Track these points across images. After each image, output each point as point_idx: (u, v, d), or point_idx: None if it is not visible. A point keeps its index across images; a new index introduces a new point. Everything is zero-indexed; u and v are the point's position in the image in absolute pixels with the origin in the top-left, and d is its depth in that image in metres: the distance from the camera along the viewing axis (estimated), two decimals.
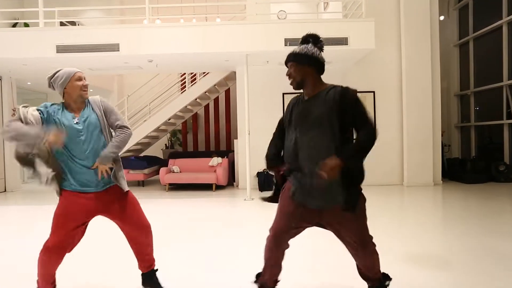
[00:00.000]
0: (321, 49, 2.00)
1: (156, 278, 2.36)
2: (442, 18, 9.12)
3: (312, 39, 1.99)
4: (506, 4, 7.57)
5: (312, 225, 1.98)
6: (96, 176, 2.08)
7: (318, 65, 1.94)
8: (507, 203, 5.27)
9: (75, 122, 2.07)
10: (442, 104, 8.91)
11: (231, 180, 7.74)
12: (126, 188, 2.19)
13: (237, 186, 7.47)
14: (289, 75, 1.96)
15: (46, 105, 2.11)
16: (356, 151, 1.79)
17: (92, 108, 2.16)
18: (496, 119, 8.02)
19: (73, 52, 5.84)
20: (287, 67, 1.98)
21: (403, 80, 7.14)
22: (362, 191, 1.90)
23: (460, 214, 4.65)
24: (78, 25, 8.68)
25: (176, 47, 5.86)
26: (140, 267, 2.35)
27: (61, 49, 5.82)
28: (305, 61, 1.91)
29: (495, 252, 3.09)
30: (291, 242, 2.02)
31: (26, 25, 8.97)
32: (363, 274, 2.06)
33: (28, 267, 2.83)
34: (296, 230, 1.98)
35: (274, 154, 2.05)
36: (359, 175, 1.85)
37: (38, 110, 2.05)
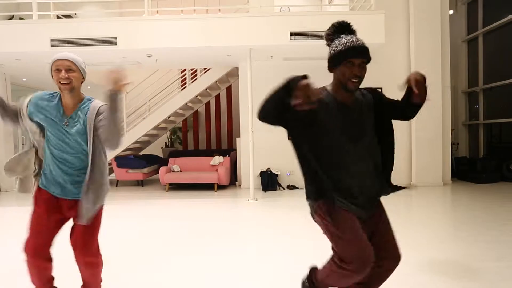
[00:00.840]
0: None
1: None
2: (451, 12, 8.85)
3: (351, 29, 1.71)
4: None
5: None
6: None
7: None
8: None
9: (63, 123, 1.84)
10: (450, 102, 8.68)
11: (233, 180, 7.50)
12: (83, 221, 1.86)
13: (240, 186, 7.23)
14: (359, 75, 1.60)
15: (40, 96, 1.89)
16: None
17: (86, 113, 1.88)
18: (506, 116, 7.78)
19: (68, 46, 5.57)
20: (351, 63, 1.60)
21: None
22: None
23: (478, 217, 4.40)
24: (74, 16, 8.41)
25: (176, 41, 5.60)
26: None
27: (56, 43, 5.56)
28: (370, 59, 1.65)
29: None
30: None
31: (21, 19, 8.71)
32: None
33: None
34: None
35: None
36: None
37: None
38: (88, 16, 8.41)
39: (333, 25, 1.70)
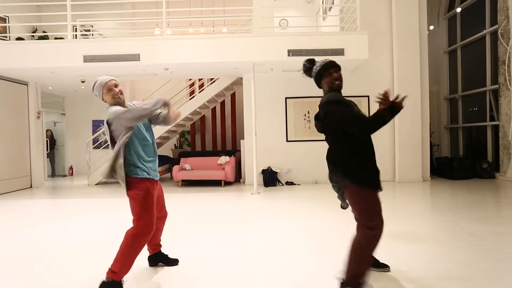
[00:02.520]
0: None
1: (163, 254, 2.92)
2: (432, 27, 9.84)
3: (311, 62, 2.46)
4: (488, 16, 8.28)
5: None
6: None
7: None
8: (487, 196, 5.97)
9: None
10: (433, 106, 9.63)
11: (238, 177, 8.43)
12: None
13: (244, 182, 8.16)
14: (340, 78, 2.33)
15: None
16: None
17: None
18: (481, 121, 8.73)
19: (98, 61, 6.52)
20: (331, 72, 2.32)
21: (395, 85, 7.83)
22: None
23: (444, 204, 5.36)
24: (93, 34, 9.37)
25: (191, 57, 6.55)
26: (152, 248, 2.84)
27: (88, 59, 6.50)
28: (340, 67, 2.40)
29: (465, 232, 3.78)
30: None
31: (44, 32, 9.67)
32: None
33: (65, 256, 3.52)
34: None
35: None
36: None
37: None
38: (106, 33, 9.37)
39: (304, 64, 2.47)
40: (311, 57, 2.51)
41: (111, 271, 2.34)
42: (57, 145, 10.81)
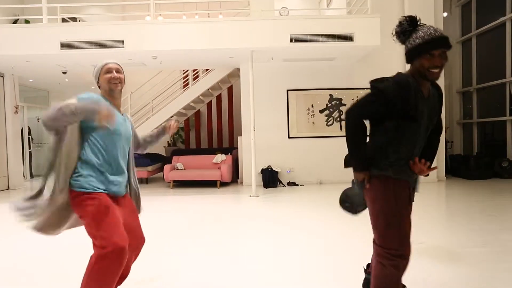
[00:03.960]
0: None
1: None
2: (445, 14, 9.12)
3: (412, 21, 1.72)
4: (510, 0, 7.58)
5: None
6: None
7: None
8: (511, 199, 5.30)
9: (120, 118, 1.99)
10: (445, 100, 8.94)
11: (235, 177, 7.74)
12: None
13: (241, 183, 7.47)
14: (440, 66, 1.65)
15: (91, 95, 1.92)
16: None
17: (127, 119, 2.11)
18: (498, 115, 8.05)
19: (77, 48, 5.80)
20: (431, 55, 1.64)
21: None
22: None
23: (470, 210, 4.67)
24: (80, 21, 8.64)
25: (181, 43, 5.84)
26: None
27: (65, 45, 5.78)
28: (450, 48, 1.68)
29: (507, 245, 3.10)
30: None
31: (27, 21, 8.92)
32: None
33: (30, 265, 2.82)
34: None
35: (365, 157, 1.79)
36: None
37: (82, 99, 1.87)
38: (93, 19, 8.64)
39: (404, 20, 1.73)
40: (413, 16, 1.73)
41: None
42: (35, 143, 10.05)
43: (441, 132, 1.98)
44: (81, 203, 1.78)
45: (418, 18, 1.72)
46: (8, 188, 7.51)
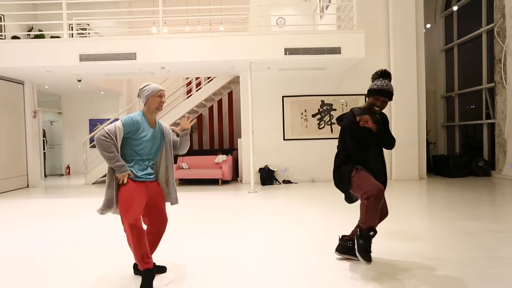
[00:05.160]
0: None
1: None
2: (428, 26, 9.86)
3: (388, 76, 2.70)
4: (485, 14, 8.31)
5: None
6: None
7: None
8: (483, 194, 6.01)
9: (151, 132, 2.61)
10: (430, 105, 9.66)
11: (235, 176, 8.44)
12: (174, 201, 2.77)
13: (241, 181, 8.17)
14: (380, 106, 2.68)
15: (132, 119, 2.53)
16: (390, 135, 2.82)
17: (159, 127, 2.69)
18: (477, 119, 8.77)
19: (94, 60, 6.49)
20: (377, 98, 2.67)
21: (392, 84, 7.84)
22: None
23: (440, 202, 5.38)
24: (89, 32, 9.32)
25: (187, 55, 6.53)
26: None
27: (84, 58, 6.47)
28: (391, 99, 2.72)
29: (460, 230, 3.80)
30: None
31: (40, 31, 9.61)
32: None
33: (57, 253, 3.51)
34: None
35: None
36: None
37: (124, 125, 2.52)
38: (102, 31, 9.33)
39: (376, 72, 2.74)
40: (387, 71, 2.73)
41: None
42: (49, 144, 10.74)
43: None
44: None
45: (389, 73, 2.72)
46: (28, 186, 8.19)
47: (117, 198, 2.50)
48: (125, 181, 2.48)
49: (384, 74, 2.69)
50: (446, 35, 9.96)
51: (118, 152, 2.49)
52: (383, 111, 2.80)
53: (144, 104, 2.61)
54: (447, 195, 6.05)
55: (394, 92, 2.71)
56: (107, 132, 2.45)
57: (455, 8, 9.12)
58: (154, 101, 2.59)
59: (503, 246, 3.24)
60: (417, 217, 4.54)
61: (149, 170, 2.63)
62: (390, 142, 2.81)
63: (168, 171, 2.74)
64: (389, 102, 2.74)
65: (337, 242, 3.04)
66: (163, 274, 2.75)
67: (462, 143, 9.51)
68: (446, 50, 9.97)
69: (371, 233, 2.59)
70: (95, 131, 9.61)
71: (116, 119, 10.10)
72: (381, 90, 2.64)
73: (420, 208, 5.22)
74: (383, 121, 2.82)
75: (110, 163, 2.46)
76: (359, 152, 2.75)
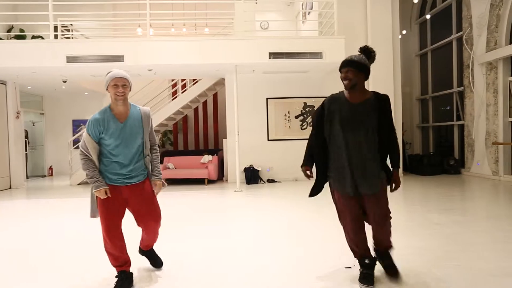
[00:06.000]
0: (371, 60, 2.43)
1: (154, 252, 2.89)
2: (404, 32, 10.38)
3: (364, 52, 2.43)
4: (454, 23, 8.88)
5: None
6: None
7: (368, 73, 2.38)
8: (454, 190, 6.48)
9: (119, 129, 2.43)
10: (406, 107, 10.18)
11: (220, 176, 8.64)
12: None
13: (226, 180, 8.38)
14: (344, 77, 2.34)
15: (93, 121, 2.39)
16: (398, 157, 2.45)
17: (136, 116, 2.47)
18: (449, 120, 9.34)
19: (82, 62, 6.55)
20: (342, 72, 2.37)
21: (369, 86, 8.26)
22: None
23: (415, 198, 5.79)
24: (72, 31, 9.28)
25: (175, 58, 6.70)
26: (143, 246, 2.80)
27: (71, 59, 6.52)
28: (360, 68, 2.33)
29: (429, 221, 4.18)
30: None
31: (21, 30, 9.50)
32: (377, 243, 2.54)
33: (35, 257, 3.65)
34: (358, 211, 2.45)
35: (310, 156, 2.58)
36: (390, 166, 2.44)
37: (90, 134, 2.40)
38: (86, 30, 9.33)
39: (360, 48, 2.47)
40: (366, 46, 2.48)
41: None
42: (31, 145, 10.59)
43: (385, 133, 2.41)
44: None
45: (367, 49, 2.44)
46: (10, 188, 8.11)
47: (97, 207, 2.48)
48: (101, 197, 2.39)
49: (362, 50, 2.44)
50: (421, 40, 10.52)
51: (96, 164, 2.42)
52: (387, 93, 2.52)
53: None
54: (421, 191, 6.49)
55: (369, 66, 2.38)
56: (80, 150, 2.43)
57: (428, 16, 9.67)
58: (111, 91, 2.38)
59: (465, 234, 3.62)
60: (395, 212, 4.90)
61: (128, 170, 2.46)
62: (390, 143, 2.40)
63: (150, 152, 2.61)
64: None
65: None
66: (156, 270, 2.88)
67: (435, 143, 10.08)
68: (421, 55, 10.53)
69: (366, 260, 2.48)
70: (79, 132, 9.58)
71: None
72: (344, 61, 2.37)
73: (397, 203, 5.60)
74: (376, 105, 2.36)
75: (88, 181, 2.43)
76: (323, 154, 2.50)
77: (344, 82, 2.37)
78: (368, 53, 2.42)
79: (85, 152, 2.40)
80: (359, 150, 2.35)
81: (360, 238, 2.48)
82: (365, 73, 2.36)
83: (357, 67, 2.33)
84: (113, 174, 2.44)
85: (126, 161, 2.44)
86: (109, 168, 2.44)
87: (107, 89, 2.39)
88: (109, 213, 2.42)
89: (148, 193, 2.57)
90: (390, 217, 2.48)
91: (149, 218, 2.60)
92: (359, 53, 2.44)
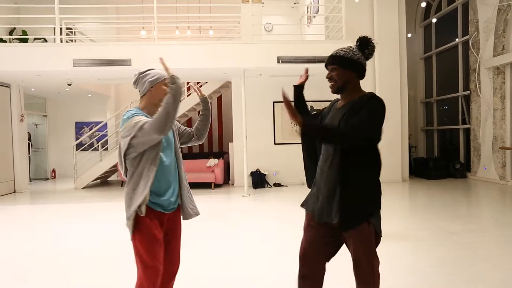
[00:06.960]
0: (367, 54, 1.83)
1: None
2: (409, 35, 10.37)
3: (360, 42, 1.83)
4: (460, 27, 8.88)
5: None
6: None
7: (360, 70, 1.81)
8: (460, 195, 6.48)
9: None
10: (410, 110, 10.17)
11: (226, 180, 8.61)
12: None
13: (233, 184, 8.34)
14: (329, 78, 1.83)
15: (137, 112, 1.93)
16: (322, 128, 1.85)
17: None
18: (454, 124, 9.35)
19: (88, 66, 6.49)
20: (327, 69, 1.84)
21: (376, 90, 8.25)
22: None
23: (423, 204, 5.78)
24: (75, 33, 9.22)
25: (183, 62, 6.65)
26: None
27: (77, 63, 6.47)
28: (348, 65, 1.77)
29: (443, 230, 4.16)
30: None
31: (24, 32, 9.41)
32: None
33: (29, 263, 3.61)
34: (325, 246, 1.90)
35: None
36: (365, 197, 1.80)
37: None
38: (91, 33, 9.27)
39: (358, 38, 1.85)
40: (365, 36, 1.85)
41: None
42: (34, 148, 10.52)
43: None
44: None
45: (366, 40, 1.82)
46: (15, 191, 8.04)
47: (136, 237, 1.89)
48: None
49: (359, 40, 1.85)
50: (425, 44, 10.52)
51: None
52: (380, 96, 1.82)
53: (144, 95, 2.01)
54: (428, 196, 6.47)
55: (361, 61, 1.80)
56: (147, 120, 1.84)
57: (434, 20, 9.67)
58: (160, 90, 2.00)
59: (482, 244, 3.61)
60: (403, 219, 4.89)
61: (172, 192, 2.02)
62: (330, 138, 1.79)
63: (184, 175, 2.14)
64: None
65: None
66: None
67: (440, 147, 10.09)
68: (425, 58, 10.53)
69: None
70: (82, 136, 9.51)
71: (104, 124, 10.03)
72: (328, 57, 1.84)
73: (405, 209, 5.59)
74: (355, 109, 1.77)
75: (177, 99, 1.84)
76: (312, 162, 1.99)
77: (330, 83, 1.84)
78: (365, 44, 1.82)
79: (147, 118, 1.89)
80: (329, 168, 1.84)
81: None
82: (356, 71, 1.80)
83: (343, 64, 1.78)
84: (160, 193, 1.99)
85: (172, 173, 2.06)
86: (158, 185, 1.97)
87: (150, 88, 1.99)
88: (156, 258, 1.96)
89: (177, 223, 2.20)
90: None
91: (175, 257, 2.15)
92: (354, 46, 1.85)
